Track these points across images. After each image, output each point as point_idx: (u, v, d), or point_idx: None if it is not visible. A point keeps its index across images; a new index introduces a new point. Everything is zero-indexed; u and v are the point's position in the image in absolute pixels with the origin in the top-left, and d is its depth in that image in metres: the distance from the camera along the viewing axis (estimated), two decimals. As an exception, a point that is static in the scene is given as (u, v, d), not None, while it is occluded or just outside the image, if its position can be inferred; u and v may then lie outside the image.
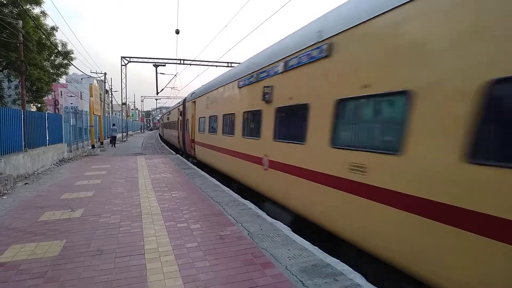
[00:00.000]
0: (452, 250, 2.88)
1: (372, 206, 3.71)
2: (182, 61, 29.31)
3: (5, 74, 24.18)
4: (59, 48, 25.17)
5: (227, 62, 29.02)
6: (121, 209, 6.20)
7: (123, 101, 35.40)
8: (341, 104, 4.42)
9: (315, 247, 4.34)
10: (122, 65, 29.89)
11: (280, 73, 6.21)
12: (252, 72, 7.61)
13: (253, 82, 7.53)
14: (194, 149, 15.12)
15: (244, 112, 8.16)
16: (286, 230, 5.05)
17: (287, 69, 5.93)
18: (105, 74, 35.92)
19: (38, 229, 5.01)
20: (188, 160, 15.45)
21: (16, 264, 3.75)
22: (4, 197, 7.20)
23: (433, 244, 3.03)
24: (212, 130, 11.49)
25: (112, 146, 24.22)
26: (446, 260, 2.93)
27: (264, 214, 5.90)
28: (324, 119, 4.71)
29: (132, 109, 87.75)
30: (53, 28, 24.35)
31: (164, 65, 29.29)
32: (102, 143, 22.25)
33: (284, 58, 6.04)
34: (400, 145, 3.36)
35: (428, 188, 3.06)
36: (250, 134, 7.71)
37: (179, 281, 3.37)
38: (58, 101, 36.25)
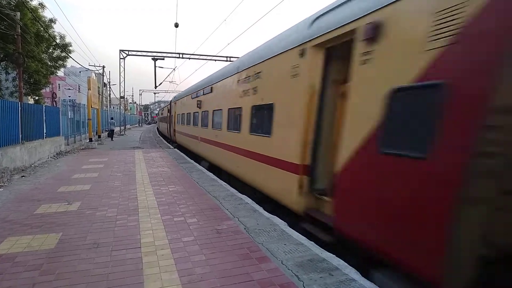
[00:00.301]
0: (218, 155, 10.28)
1: (216, 149, 10.37)
2: (181, 55, 29.17)
3: (3, 66, 23.99)
4: (57, 41, 24.98)
5: (226, 56, 28.88)
6: (118, 202, 6.20)
7: (121, 95, 35.24)
8: (214, 112, 10.94)
9: (311, 242, 4.35)
10: (120, 58, 29.72)
11: (202, 95, 13.07)
12: (195, 91, 14.65)
13: (195, 97, 14.32)
14: (175, 135, 21.94)
15: (193, 112, 14.88)
16: (283, 225, 5.06)
17: (203, 93, 12.83)
18: (103, 67, 35.77)
19: (34, 221, 5.00)
20: (172, 145, 21.33)
21: (11, 256, 3.75)
22: (0, 190, 7.18)
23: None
24: (182, 122, 18.50)
25: (111, 140, 24.17)
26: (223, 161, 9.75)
27: (261, 209, 5.92)
28: (211, 118, 11.33)
29: (130, 102, 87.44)
30: (51, 20, 24.12)
31: (163, 59, 29.17)
32: (99, 136, 22.21)
33: (203, 88, 12.98)
34: (208, 125, 11.61)
35: (219, 138, 10.05)
36: (195, 124, 14.56)
37: (175, 274, 3.38)
38: (56, 94, 36.07)
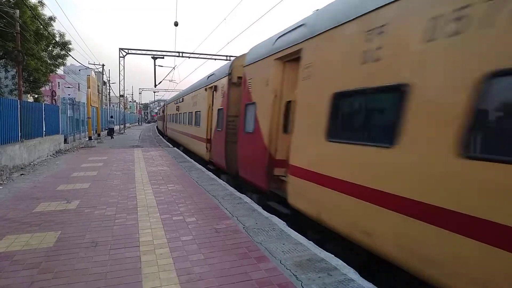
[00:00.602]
0: (183, 140, 17.88)
1: (185, 137, 17.06)
2: (180, 54, 29.13)
3: (2, 64, 23.95)
4: (57, 39, 24.95)
5: (226, 55, 28.81)
6: (117, 201, 6.20)
7: (121, 93, 35.20)
8: (183, 114, 17.68)
9: (310, 241, 4.35)
10: (120, 57, 29.68)
11: (179, 102, 19.76)
12: (176, 99, 21.74)
13: (176, 103, 20.91)
14: (166, 131, 28.76)
15: (175, 114, 21.37)
16: (281, 224, 5.06)
17: (179, 102, 19.72)
18: (103, 65, 35.71)
19: (33, 220, 5.00)
20: (164, 138, 27.82)
21: (10, 254, 3.75)
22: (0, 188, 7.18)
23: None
24: (170, 120, 25.74)
25: (110, 138, 24.22)
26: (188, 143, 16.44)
27: (260, 208, 5.91)
28: (182, 117, 18.22)
29: (130, 101, 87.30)
30: (50, 18, 24.08)
31: (163, 58, 29.13)
32: (99, 135, 22.19)
33: (179, 98, 20.43)
34: (181, 122, 18.89)
35: (187, 129, 16.34)
36: (177, 122, 20.21)
37: (173, 273, 3.37)
38: (55, 92, 35.95)
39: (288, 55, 5.86)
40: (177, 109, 20.18)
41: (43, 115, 12.64)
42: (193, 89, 15.17)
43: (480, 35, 2.63)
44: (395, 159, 3.36)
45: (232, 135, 8.83)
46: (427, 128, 3.03)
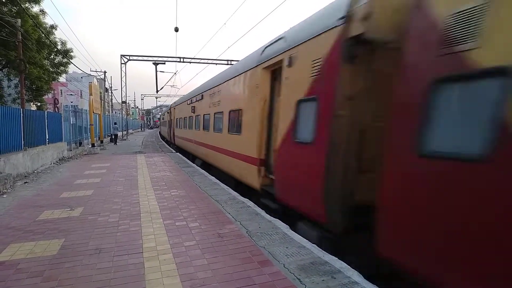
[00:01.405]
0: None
1: (165, 133, 34.92)
2: (181, 59, 29.25)
3: (5, 73, 24.13)
4: (59, 47, 25.14)
5: (227, 60, 28.90)
6: (120, 207, 6.21)
7: (123, 100, 35.36)
8: (165, 121, 35.52)
9: (313, 245, 4.34)
10: (121, 63, 29.85)
11: (163, 115, 41.32)
12: (163, 114, 43.55)
13: (162, 115, 45.48)
14: (161, 131, 44.34)
15: (163, 121, 41.07)
16: (285, 228, 5.05)
17: (163, 115, 41.31)
18: (105, 72, 35.89)
19: (37, 228, 5.02)
20: (160, 136, 40.88)
21: (14, 263, 3.76)
22: (3, 196, 7.21)
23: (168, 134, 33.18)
24: (161, 125, 45.15)
25: (114, 144, 24.41)
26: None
27: (263, 212, 5.90)
28: (167, 123, 30.54)
29: (132, 107, 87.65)
30: (52, 27, 24.30)
31: (164, 63, 29.26)
32: (102, 141, 22.28)
33: (164, 113, 42.16)
34: (166, 125, 34.56)
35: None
36: (163, 126, 38.66)
37: (177, 279, 3.37)
38: (58, 100, 36.12)
39: (174, 107, 24.53)
40: (163, 119, 38.31)
41: (46, 123, 12.71)
42: (165, 111, 33.86)
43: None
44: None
45: (172, 130, 23.80)
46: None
